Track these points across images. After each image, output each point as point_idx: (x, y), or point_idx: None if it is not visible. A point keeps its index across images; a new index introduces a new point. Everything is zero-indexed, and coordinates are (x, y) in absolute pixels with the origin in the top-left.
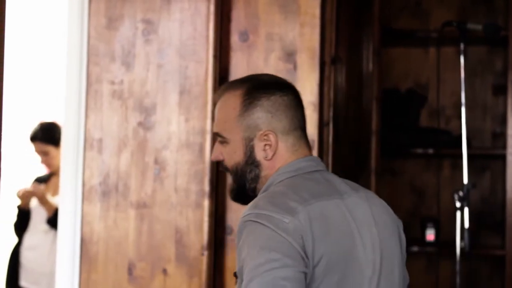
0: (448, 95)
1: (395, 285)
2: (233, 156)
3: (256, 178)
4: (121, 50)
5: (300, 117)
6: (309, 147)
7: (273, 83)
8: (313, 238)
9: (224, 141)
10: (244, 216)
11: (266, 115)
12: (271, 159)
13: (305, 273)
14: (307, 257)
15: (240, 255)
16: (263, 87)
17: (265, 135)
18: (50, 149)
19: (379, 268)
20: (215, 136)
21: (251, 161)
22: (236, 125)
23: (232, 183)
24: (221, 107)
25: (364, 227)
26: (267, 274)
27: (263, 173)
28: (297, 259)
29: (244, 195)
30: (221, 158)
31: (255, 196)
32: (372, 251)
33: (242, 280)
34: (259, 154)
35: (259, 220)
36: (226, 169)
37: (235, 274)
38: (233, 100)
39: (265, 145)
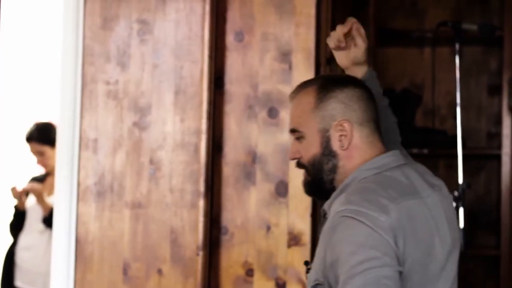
0: (443, 95)
1: (453, 280)
2: (310, 149)
3: (334, 168)
4: (116, 50)
5: (373, 111)
6: (382, 140)
7: (344, 78)
8: (404, 237)
9: (300, 136)
10: (339, 211)
11: (340, 106)
12: (347, 148)
13: (400, 272)
14: (398, 255)
15: (333, 249)
16: (335, 81)
17: (340, 124)
18: (46, 149)
19: (445, 264)
20: (291, 134)
21: (327, 151)
22: (312, 118)
23: (307, 177)
24: (296, 104)
25: (441, 226)
26: (369, 272)
27: (341, 163)
28: (394, 258)
29: (321, 188)
30: (298, 156)
31: (332, 188)
32: (444, 249)
33: (321, 274)
34: (335, 144)
35: (356, 217)
36: (303, 166)
37: (306, 263)
38: (307, 95)
39: (341, 135)
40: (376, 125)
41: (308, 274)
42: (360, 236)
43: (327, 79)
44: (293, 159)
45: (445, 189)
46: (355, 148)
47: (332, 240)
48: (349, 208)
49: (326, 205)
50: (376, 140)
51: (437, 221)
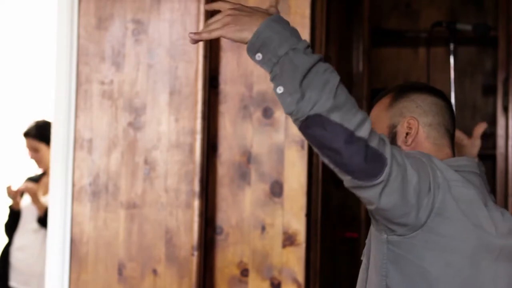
0: None
1: None
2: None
3: None
4: (111, 50)
5: (447, 119)
6: (453, 149)
7: (422, 85)
8: (452, 198)
9: None
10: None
11: (412, 105)
12: (410, 145)
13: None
14: (435, 195)
15: None
16: (413, 86)
17: (407, 121)
18: (42, 146)
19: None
20: None
21: None
22: (384, 116)
23: None
24: (375, 107)
25: (501, 232)
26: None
27: None
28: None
29: None
30: None
31: None
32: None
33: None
34: (400, 140)
35: (421, 153)
36: None
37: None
38: (385, 98)
39: (407, 132)
40: (448, 132)
41: (362, 266)
42: (416, 162)
43: (406, 84)
44: None
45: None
46: (420, 146)
47: None
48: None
49: None
50: (444, 145)
51: (497, 224)
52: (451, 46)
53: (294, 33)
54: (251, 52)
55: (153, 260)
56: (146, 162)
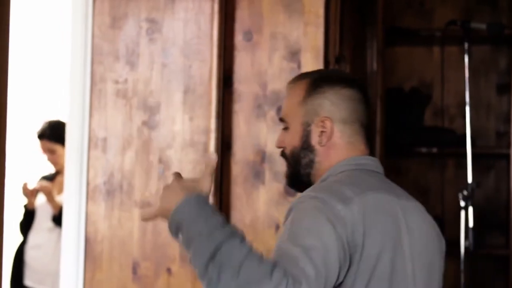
0: (452, 94)
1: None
2: (292, 141)
3: (311, 163)
4: (125, 49)
5: (362, 113)
6: (367, 144)
7: (340, 77)
8: (365, 230)
9: (286, 127)
10: (298, 198)
11: (326, 103)
12: (325, 145)
13: (340, 264)
14: (354, 246)
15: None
16: (329, 78)
17: (322, 121)
18: (58, 147)
19: (416, 278)
20: (280, 123)
21: (306, 145)
22: (298, 111)
23: (288, 169)
24: (288, 94)
25: (413, 233)
26: (296, 250)
27: (317, 159)
28: (334, 249)
29: (299, 180)
30: (282, 145)
31: (309, 182)
32: (418, 257)
33: None
34: (315, 140)
35: (312, 200)
36: (285, 156)
37: None
38: (299, 88)
39: (321, 131)
40: (363, 127)
41: None
42: (309, 217)
43: (322, 75)
44: (279, 147)
45: (427, 213)
46: (334, 146)
47: (284, 224)
48: (309, 194)
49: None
50: (358, 142)
51: (410, 225)
52: (466, 45)
53: (203, 213)
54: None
55: (168, 259)
56: (160, 161)
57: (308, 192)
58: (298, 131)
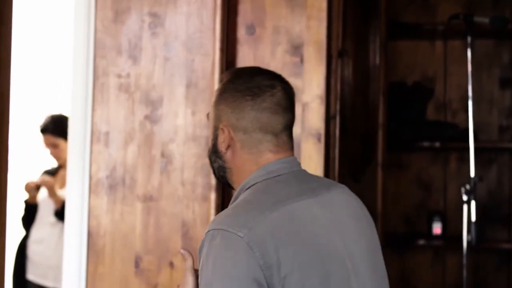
0: (455, 88)
1: (380, 277)
2: (208, 140)
3: (222, 168)
4: (127, 43)
5: (266, 121)
6: (274, 150)
7: (249, 83)
8: (277, 246)
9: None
10: (206, 233)
11: (227, 110)
12: (226, 153)
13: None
14: (268, 269)
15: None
16: (235, 84)
17: (221, 128)
18: (60, 142)
19: (361, 260)
20: None
21: (214, 149)
22: (211, 112)
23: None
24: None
25: (340, 222)
26: None
27: (227, 165)
28: (251, 272)
29: (219, 179)
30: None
31: (229, 184)
32: (353, 243)
33: None
34: (219, 146)
35: (213, 238)
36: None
37: None
38: (218, 87)
39: (224, 138)
40: (268, 136)
41: None
42: (214, 261)
43: (230, 79)
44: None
45: (351, 194)
46: (237, 155)
47: (201, 261)
48: (210, 228)
49: None
50: (262, 151)
51: (335, 218)
52: (468, 39)
53: None
54: None
55: (170, 253)
56: (162, 155)
57: (211, 223)
58: (211, 133)
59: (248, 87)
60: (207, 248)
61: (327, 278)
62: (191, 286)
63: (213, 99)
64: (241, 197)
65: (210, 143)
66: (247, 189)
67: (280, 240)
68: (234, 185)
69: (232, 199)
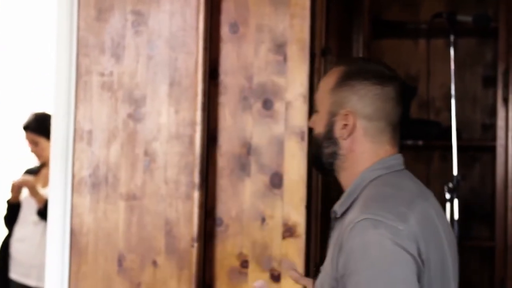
0: (438, 86)
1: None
2: (318, 126)
3: (334, 155)
4: (110, 41)
5: (389, 112)
6: (393, 143)
7: (375, 72)
8: (425, 240)
9: (316, 110)
10: (358, 222)
11: (353, 97)
12: (346, 139)
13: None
14: (422, 262)
15: (346, 260)
16: (362, 72)
17: (345, 114)
18: (41, 140)
19: (452, 268)
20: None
21: (329, 136)
22: (327, 98)
23: (312, 150)
24: (324, 78)
25: (446, 229)
26: None
27: (341, 151)
28: (415, 272)
29: (320, 166)
30: (312, 126)
31: (332, 171)
32: (452, 253)
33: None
34: (337, 132)
35: (374, 227)
36: (313, 138)
37: (317, 267)
38: (333, 75)
39: (344, 124)
40: (390, 125)
41: (319, 279)
42: (378, 254)
43: (356, 67)
44: (310, 127)
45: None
46: (357, 142)
47: (346, 249)
48: (366, 217)
49: (336, 207)
50: (384, 142)
51: (443, 224)
52: (451, 38)
53: None
54: None
55: (153, 252)
56: (146, 153)
57: (365, 213)
58: (324, 119)
59: (374, 75)
60: (364, 235)
61: (442, 281)
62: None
63: (327, 86)
64: (373, 189)
65: (320, 129)
66: (371, 181)
67: (426, 236)
68: (341, 173)
69: (351, 191)
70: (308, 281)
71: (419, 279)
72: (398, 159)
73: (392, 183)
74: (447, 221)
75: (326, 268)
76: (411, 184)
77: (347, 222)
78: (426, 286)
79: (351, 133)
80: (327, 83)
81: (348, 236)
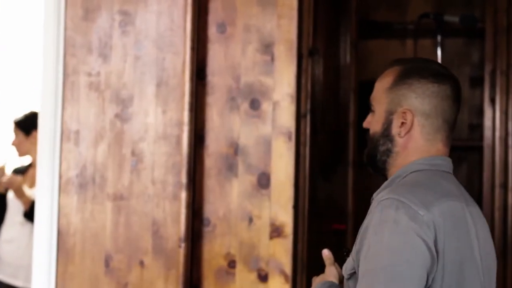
0: None
1: None
2: (375, 125)
3: (388, 152)
4: (98, 41)
5: (446, 109)
6: (446, 142)
7: (432, 71)
8: (445, 233)
9: (372, 110)
10: (382, 200)
11: (411, 95)
12: (403, 137)
13: (427, 273)
14: (437, 251)
15: (362, 236)
16: (420, 71)
17: (403, 112)
18: (19, 134)
19: (482, 277)
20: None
21: (386, 133)
22: (384, 97)
23: (367, 149)
24: (380, 78)
25: (480, 238)
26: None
27: (396, 149)
28: (423, 258)
29: (374, 164)
30: (367, 126)
31: (384, 169)
32: (485, 263)
33: (354, 263)
34: (395, 130)
35: (395, 208)
36: (369, 137)
37: (345, 251)
38: (389, 74)
39: (402, 122)
40: (445, 124)
41: (345, 263)
42: (390, 232)
43: (414, 66)
44: (364, 127)
45: (481, 211)
46: (413, 140)
47: (365, 224)
48: (391, 196)
49: (375, 194)
50: (437, 139)
51: (478, 230)
52: (438, 38)
53: None
54: None
55: (140, 252)
56: (133, 153)
57: (391, 193)
58: (381, 117)
59: (431, 74)
60: (383, 213)
61: (463, 283)
62: (335, 275)
63: (384, 85)
64: (408, 178)
65: (376, 128)
66: (412, 172)
67: (446, 231)
68: (389, 170)
69: (391, 179)
70: (336, 266)
71: (431, 267)
72: (447, 161)
73: (432, 179)
74: (487, 231)
75: (353, 251)
76: (453, 187)
77: (375, 201)
78: (438, 277)
79: (409, 131)
80: (383, 83)
81: (371, 213)
